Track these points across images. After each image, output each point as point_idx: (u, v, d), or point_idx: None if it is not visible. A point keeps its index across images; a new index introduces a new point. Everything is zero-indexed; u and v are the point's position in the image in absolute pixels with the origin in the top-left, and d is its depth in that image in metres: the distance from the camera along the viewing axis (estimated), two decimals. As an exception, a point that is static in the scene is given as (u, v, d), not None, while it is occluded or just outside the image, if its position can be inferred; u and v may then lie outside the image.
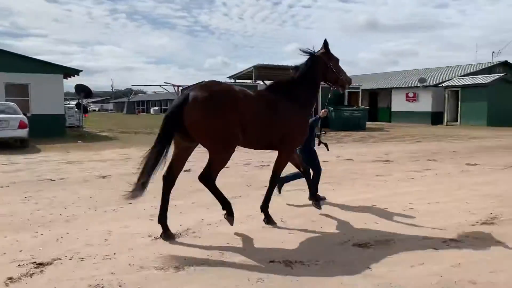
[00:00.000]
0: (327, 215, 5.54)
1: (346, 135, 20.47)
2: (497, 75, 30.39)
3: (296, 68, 5.30)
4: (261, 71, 27.28)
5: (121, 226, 5.02)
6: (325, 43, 5.38)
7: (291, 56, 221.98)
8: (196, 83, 4.46)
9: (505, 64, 36.21)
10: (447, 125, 29.94)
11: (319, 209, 5.51)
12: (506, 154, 12.51)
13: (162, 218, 4.62)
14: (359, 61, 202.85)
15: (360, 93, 28.99)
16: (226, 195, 4.67)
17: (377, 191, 7.11)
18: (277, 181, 5.30)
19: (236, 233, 4.75)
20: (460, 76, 32.56)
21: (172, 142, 4.51)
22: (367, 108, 27.42)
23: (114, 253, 4.10)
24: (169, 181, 4.67)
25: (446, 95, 30.87)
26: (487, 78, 29.44)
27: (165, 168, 4.60)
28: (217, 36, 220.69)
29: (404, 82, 35.47)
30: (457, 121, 29.87)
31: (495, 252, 4.15)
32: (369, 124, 27.34)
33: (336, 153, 12.70)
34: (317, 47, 5.38)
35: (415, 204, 6.12)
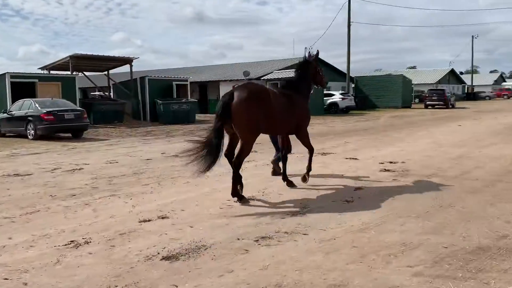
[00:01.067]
0: (137, 225, 5.02)
1: (175, 129, 20.04)
2: (310, 69, 33.59)
3: (297, 69, 7.09)
4: (80, 61, 24.49)
5: None
6: (317, 53, 7.16)
7: (119, 46, 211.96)
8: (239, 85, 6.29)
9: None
10: (270, 115, 31.98)
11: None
12: (319, 141, 13.66)
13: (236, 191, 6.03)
14: (189, 53, 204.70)
15: (189, 85, 28.80)
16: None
17: (198, 189, 6.85)
18: (312, 153, 7.04)
19: (22, 262, 3.90)
20: (280, 69, 35.14)
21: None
22: (195, 101, 27.48)
23: None
24: (231, 156, 6.22)
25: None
26: (302, 71, 32.24)
27: (225, 148, 6.13)
28: (32, 22, 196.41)
29: (231, 75, 36.75)
30: (279, 111, 32.14)
31: (301, 247, 4.19)
32: (199, 117, 27.49)
33: (161, 149, 12.19)
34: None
35: (232, 200, 6.02)
